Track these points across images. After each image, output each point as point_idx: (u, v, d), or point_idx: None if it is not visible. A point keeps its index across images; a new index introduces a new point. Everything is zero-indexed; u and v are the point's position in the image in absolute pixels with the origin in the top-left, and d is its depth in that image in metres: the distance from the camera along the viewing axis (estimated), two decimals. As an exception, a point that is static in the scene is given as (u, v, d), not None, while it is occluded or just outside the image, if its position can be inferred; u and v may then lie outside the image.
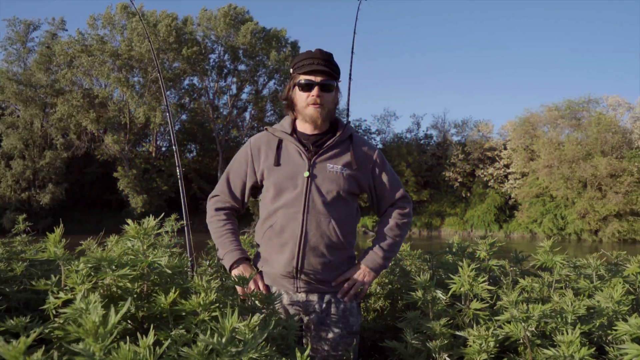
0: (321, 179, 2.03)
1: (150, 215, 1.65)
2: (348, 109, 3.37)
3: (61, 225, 1.56)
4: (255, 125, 40.48)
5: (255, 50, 37.37)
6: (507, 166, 40.23)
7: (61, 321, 1.33)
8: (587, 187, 34.33)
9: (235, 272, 2.02)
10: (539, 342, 1.74)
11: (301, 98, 2.06)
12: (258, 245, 2.15)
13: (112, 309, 0.96)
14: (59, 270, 2.25)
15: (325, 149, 2.08)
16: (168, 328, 1.44)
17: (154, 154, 37.59)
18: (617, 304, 1.81)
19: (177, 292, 1.45)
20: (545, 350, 1.52)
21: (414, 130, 45.85)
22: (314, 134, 2.12)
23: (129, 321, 1.47)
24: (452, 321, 1.97)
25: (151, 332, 1.10)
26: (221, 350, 1.01)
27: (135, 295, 1.51)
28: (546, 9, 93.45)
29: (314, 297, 2.04)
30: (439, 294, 2.00)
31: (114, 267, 1.50)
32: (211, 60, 38.37)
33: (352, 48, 3.51)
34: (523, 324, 1.65)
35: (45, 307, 1.43)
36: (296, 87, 2.07)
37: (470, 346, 1.75)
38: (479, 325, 1.80)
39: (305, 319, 2.06)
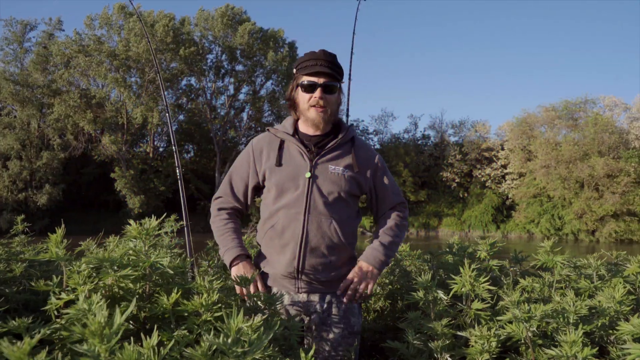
0: (322, 179, 2.03)
1: (153, 216, 1.65)
2: (348, 110, 3.37)
3: (62, 226, 1.55)
4: (253, 125, 40.42)
5: (252, 51, 37.31)
6: (504, 166, 40.34)
7: (63, 322, 1.32)
8: (584, 188, 34.43)
9: (234, 270, 2.01)
10: (540, 342, 1.75)
11: (303, 99, 2.05)
12: (259, 245, 2.14)
13: (117, 310, 0.96)
14: (58, 271, 2.25)
15: (327, 150, 2.08)
16: (170, 329, 1.44)
17: (151, 155, 37.50)
18: (619, 304, 1.81)
19: (180, 293, 1.45)
20: (548, 351, 1.52)
21: (411, 130, 45.95)
22: (316, 135, 2.11)
23: (131, 322, 1.47)
24: (453, 321, 1.97)
25: (155, 333, 1.10)
26: (227, 350, 1.01)
27: (137, 296, 1.50)
28: (543, 10, 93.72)
29: (315, 298, 2.04)
30: (441, 294, 2.00)
31: (115, 267, 1.49)
32: (208, 61, 38.32)
33: (352, 48, 3.52)
34: (525, 324, 1.65)
35: (47, 307, 1.42)
36: (299, 88, 2.07)
37: (472, 346, 1.75)
38: (481, 326, 1.80)
39: (307, 319, 2.05)
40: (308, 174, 2.02)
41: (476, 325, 1.85)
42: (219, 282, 1.54)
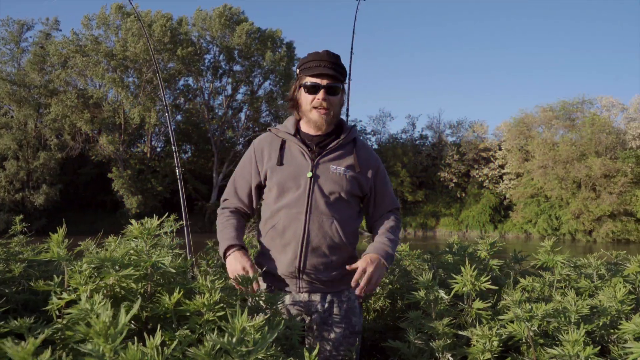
0: (324, 179, 2.03)
1: (155, 216, 1.64)
2: (347, 110, 3.36)
3: (64, 225, 1.54)
4: (251, 125, 40.41)
5: (250, 51, 37.29)
6: (501, 167, 40.41)
7: (65, 322, 1.31)
8: (582, 188, 34.52)
9: (228, 261, 1.98)
10: (542, 341, 1.75)
11: (306, 100, 2.05)
12: (260, 245, 2.14)
13: (122, 310, 0.96)
14: (58, 271, 2.24)
15: (329, 150, 2.07)
16: (172, 328, 1.43)
17: (148, 155, 37.42)
18: (620, 303, 1.81)
19: (182, 293, 1.45)
20: (551, 350, 1.52)
21: (409, 130, 45.99)
22: (318, 135, 2.11)
23: (133, 322, 1.46)
24: (454, 321, 1.97)
25: (158, 333, 1.09)
26: (231, 350, 1.01)
27: (139, 296, 1.50)
28: (540, 10, 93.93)
29: (316, 297, 2.04)
30: (442, 293, 2.00)
31: (117, 267, 1.49)
32: (206, 61, 38.28)
33: (352, 48, 3.52)
34: (527, 323, 1.65)
35: (48, 307, 1.41)
36: (302, 89, 2.06)
37: (474, 346, 1.75)
38: (482, 325, 1.80)
39: (308, 319, 2.05)
40: (309, 174, 2.01)
41: (477, 324, 1.85)
42: (220, 281, 1.54)
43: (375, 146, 43.44)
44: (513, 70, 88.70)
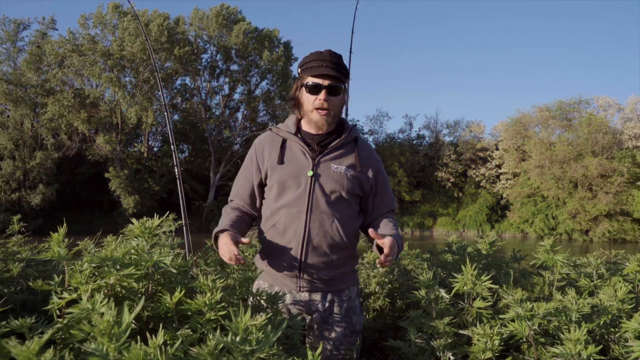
0: (325, 178, 2.02)
1: (156, 215, 1.64)
2: (347, 109, 3.36)
3: (64, 224, 1.54)
4: (248, 125, 40.38)
5: (247, 51, 37.26)
6: (498, 166, 40.52)
7: (65, 321, 1.31)
8: (578, 187, 34.64)
9: (218, 243, 1.95)
10: (542, 340, 1.75)
11: (308, 100, 2.03)
12: (260, 244, 2.14)
13: (126, 309, 0.95)
14: (56, 270, 2.23)
15: (330, 150, 2.07)
16: (173, 328, 1.43)
17: (145, 154, 37.34)
18: (621, 302, 1.82)
19: (183, 292, 1.44)
20: (553, 349, 1.52)
21: (406, 130, 46.10)
22: (319, 134, 2.10)
23: (134, 321, 1.45)
24: (455, 320, 1.97)
25: (160, 332, 1.09)
26: (235, 349, 1.00)
27: (140, 295, 1.49)
28: (537, 11, 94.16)
29: (317, 297, 2.04)
30: (442, 292, 2.00)
31: (118, 266, 1.48)
32: (203, 60, 38.22)
33: (351, 48, 3.52)
34: (528, 322, 1.65)
35: (48, 307, 1.40)
36: (303, 88, 2.05)
37: (475, 345, 1.75)
38: (483, 324, 1.80)
39: (308, 318, 2.05)
40: (310, 173, 2.01)
41: (478, 323, 1.85)
42: (221, 281, 1.54)
43: (372, 146, 43.43)
44: (510, 70, 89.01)
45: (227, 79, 39.05)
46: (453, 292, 1.97)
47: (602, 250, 2.71)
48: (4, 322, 1.19)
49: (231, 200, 2.22)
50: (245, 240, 1.90)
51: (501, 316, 1.79)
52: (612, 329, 1.79)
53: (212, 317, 1.42)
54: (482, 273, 1.97)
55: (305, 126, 2.13)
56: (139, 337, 1.03)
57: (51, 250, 1.44)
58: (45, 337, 0.80)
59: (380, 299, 2.90)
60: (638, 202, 32.71)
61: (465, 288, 1.93)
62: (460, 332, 1.89)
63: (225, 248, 1.87)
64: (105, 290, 1.47)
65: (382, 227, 2.07)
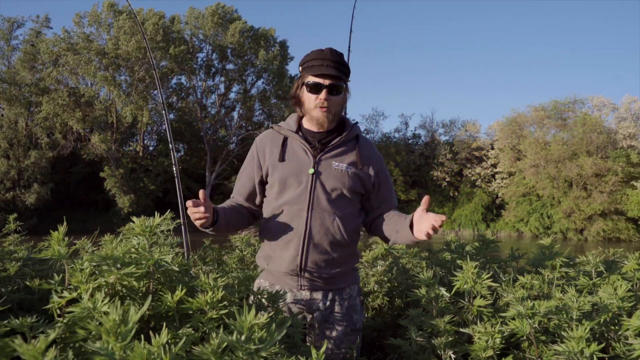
0: (326, 176, 2.02)
1: (157, 213, 1.63)
2: (346, 108, 3.36)
3: (64, 223, 1.53)
4: (244, 124, 40.32)
5: (243, 50, 37.20)
6: (494, 166, 40.65)
7: (66, 320, 1.30)
8: (573, 187, 34.80)
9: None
10: (543, 338, 1.75)
11: (309, 99, 2.02)
12: (261, 242, 2.13)
13: (132, 308, 0.94)
14: (54, 269, 2.22)
15: (331, 147, 2.06)
16: (174, 327, 1.42)
17: (141, 154, 37.22)
18: (621, 300, 1.82)
19: (184, 291, 1.43)
20: (555, 347, 1.52)
21: (402, 130, 46.16)
22: (320, 131, 2.10)
23: (135, 320, 1.45)
24: (455, 318, 1.97)
25: (164, 331, 1.08)
26: (239, 347, 1.00)
27: (140, 294, 1.48)
28: (533, 10, 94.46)
29: (317, 295, 2.03)
30: (443, 291, 2.00)
31: (118, 265, 1.47)
32: (199, 59, 38.15)
33: (349, 46, 3.52)
34: (529, 320, 1.66)
35: (49, 306, 1.39)
36: (304, 87, 2.04)
37: (476, 343, 1.75)
38: (484, 322, 1.80)
39: (309, 316, 2.05)
40: (311, 170, 2.01)
41: (478, 322, 1.85)
42: (222, 279, 1.53)
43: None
44: (505, 69, 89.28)
45: (222, 78, 39.01)
46: (454, 290, 1.97)
47: (600, 248, 2.72)
48: (4, 322, 1.18)
49: (232, 198, 2.22)
50: (200, 193, 1.93)
51: (502, 314, 1.79)
52: (613, 327, 1.80)
53: (214, 316, 1.41)
54: (482, 271, 1.98)
55: (306, 124, 2.12)
56: (142, 336, 1.02)
57: (51, 248, 1.43)
58: (52, 336, 0.79)
59: (379, 298, 2.90)
60: (632, 201, 32.91)
61: (465, 286, 1.93)
62: (461, 330, 1.89)
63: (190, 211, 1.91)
64: (106, 289, 1.46)
65: (399, 216, 2.07)
